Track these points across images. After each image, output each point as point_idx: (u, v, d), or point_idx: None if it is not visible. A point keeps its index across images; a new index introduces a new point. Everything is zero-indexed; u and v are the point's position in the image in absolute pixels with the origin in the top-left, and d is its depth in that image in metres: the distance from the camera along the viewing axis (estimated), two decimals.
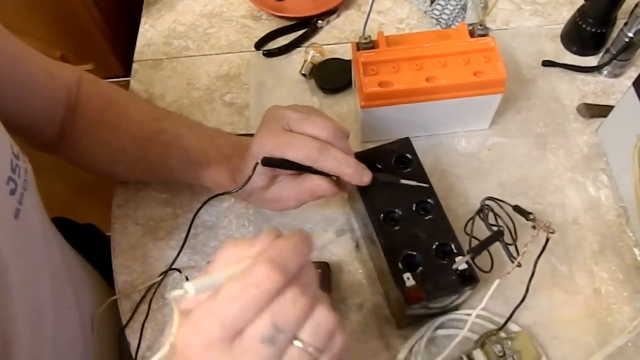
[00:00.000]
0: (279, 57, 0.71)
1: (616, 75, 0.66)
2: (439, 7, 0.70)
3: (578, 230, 0.57)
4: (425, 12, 0.73)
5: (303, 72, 0.68)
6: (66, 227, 0.55)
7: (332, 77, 0.68)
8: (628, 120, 0.55)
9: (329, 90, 0.67)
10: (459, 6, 0.69)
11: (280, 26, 0.74)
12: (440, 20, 0.70)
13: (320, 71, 0.68)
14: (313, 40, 0.73)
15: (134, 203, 0.61)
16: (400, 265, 0.46)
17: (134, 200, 0.61)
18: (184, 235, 0.54)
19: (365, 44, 0.58)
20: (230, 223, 0.59)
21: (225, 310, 0.26)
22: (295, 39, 0.72)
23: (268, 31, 0.73)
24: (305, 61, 0.68)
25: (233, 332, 0.27)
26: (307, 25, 0.73)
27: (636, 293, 0.53)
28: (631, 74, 0.66)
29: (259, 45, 0.72)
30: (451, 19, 0.70)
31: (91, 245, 0.63)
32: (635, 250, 0.55)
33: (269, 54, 0.71)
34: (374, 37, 0.58)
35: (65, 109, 0.53)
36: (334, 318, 0.28)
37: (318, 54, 0.69)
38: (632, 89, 0.52)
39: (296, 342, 0.27)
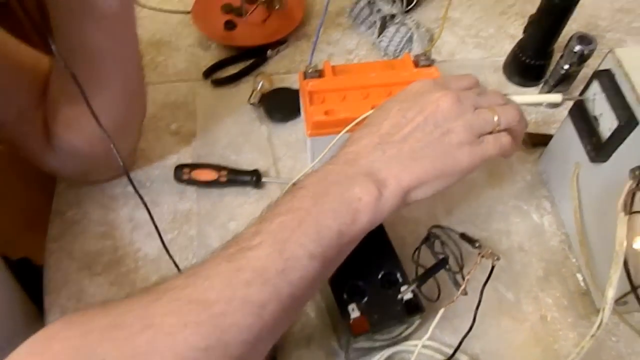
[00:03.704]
0: (228, 86, 0.71)
1: (555, 106, 0.68)
2: (386, 39, 0.72)
3: (523, 256, 0.57)
4: (373, 44, 0.74)
5: (252, 101, 0.67)
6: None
7: (280, 106, 0.67)
8: (566, 149, 0.56)
9: (277, 119, 0.67)
10: (405, 38, 0.70)
11: (230, 55, 0.73)
12: (388, 51, 0.72)
13: (269, 100, 0.68)
14: (262, 69, 0.72)
15: (70, 236, 0.58)
16: (345, 295, 0.45)
17: (70, 232, 0.58)
18: (123, 270, 0.51)
19: (312, 73, 0.58)
20: (174, 255, 0.57)
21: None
22: (244, 68, 0.72)
23: (217, 60, 0.72)
24: (254, 90, 0.68)
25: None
26: (257, 55, 0.73)
27: (580, 319, 0.53)
28: (569, 104, 0.68)
29: (207, 74, 0.71)
30: (398, 50, 0.71)
31: (27, 280, 0.59)
32: (579, 276, 0.56)
33: (218, 82, 0.70)
34: (321, 67, 0.59)
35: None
36: (517, 110, 0.43)
37: (267, 83, 0.69)
38: (569, 118, 0.54)
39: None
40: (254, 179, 0.61)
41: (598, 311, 0.53)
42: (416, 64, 0.59)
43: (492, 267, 0.50)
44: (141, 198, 0.47)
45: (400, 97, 0.43)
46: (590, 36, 0.60)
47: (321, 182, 0.39)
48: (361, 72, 0.59)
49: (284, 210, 0.38)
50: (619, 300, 0.50)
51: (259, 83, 0.68)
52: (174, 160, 0.63)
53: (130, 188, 0.48)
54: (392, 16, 0.73)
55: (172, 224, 0.59)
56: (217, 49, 0.75)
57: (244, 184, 0.61)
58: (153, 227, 0.47)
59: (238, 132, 0.66)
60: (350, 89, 0.57)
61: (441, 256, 0.50)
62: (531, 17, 0.64)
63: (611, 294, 0.42)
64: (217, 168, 0.61)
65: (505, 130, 0.42)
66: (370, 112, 0.46)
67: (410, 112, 0.41)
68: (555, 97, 0.49)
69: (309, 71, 0.58)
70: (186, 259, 0.56)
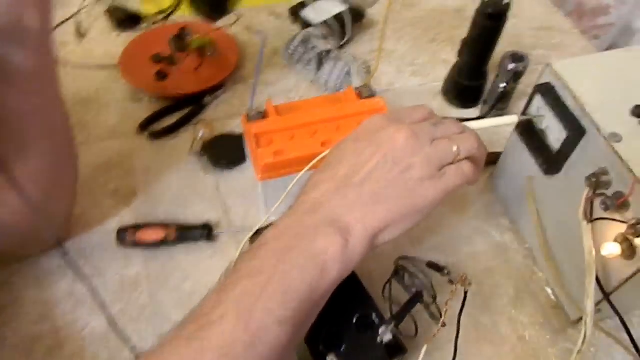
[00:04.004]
0: (166, 138, 0.67)
1: None
2: (325, 75, 0.71)
3: (492, 277, 0.56)
4: (312, 81, 0.74)
5: (194, 150, 0.64)
6: None
7: (225, 152, 0.64)
8: (517, 164, 0.57)
9: (223, 166, 0.64)
10: (343, 72, 0.70)
11: (165, 106, 0.70)
12: (328, 86, 0.71)
13: (212, 148, 0.65)
14: (201, 117, 0.69)
15: (0, 322, 0.51)
16: (321, 346, 0.42)
17: (2, 315, 0.51)
18: (68, 353, 0.45)
19: (256, 115, 0.55)
20: (125, 328, 0.51)
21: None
22: (181, 118, 0.68)
23: (151, 112, 0.69)
24: (195, 139, 0.65)
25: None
26: (193, 103, 0.70)
27: (557, 334, 0.52)
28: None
29: (142, 127, 0.67)
30: (338, 84, 0.70)
31: None
32: (548, 289, 0.56)
33: (155, 135, 0.67)
34: (264, 108, 0.57)
35: None
36: (475, 137, 0.42)
37: (208, 131, 0.66)
38: (516, 134, 0.55)
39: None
40: (206, 232, 0.57)
41: (573, 323, 0.53)
42: (360, 95, 0.59)
43: (466, 294, 0.48)
44: (79, 269, 0.42)
45: (355, 136, 0.42)
46: (521, 53, 0.62)
47: (282, 236, 0.36)
48: (306, 109, 0.57)
49: (246, 273, 0.35)
50: (594, 309, 0.49)
51: (199, 131, 0.65)
52: (115, 223, 0.58)
53: (67, 259, 0.43)
54: (328, 52, 0.72)
55: (119, 293, 0.53)
56: (150, 101, 0.71)
57: (195, 239, 0.57)
58: (97, 301, 0.42)
59: (183, 185, 0.63)
60: (297, 127, 0.55)
61: (413, 289, 0.48)
62: (464, 40, 0.66)
63: (590, 306, 0.41)
64: (164, 226, 0.56)
65: (466, 158, 0.42)
66: (326, 152, 0.44)
67: (366, 152, 0.39)
68: (511, 119, 0.49)
69: (252, 113, 0.55)
70: (139, 331, 0.51)
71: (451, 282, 0.51)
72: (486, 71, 0.69)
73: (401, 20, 0.85)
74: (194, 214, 0.60)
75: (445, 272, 0.51)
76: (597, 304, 0.48)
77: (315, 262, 0.35)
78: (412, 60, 0.79)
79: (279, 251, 0.35)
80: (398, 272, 0.53)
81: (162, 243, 0.56)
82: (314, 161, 0.46)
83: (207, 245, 0.57)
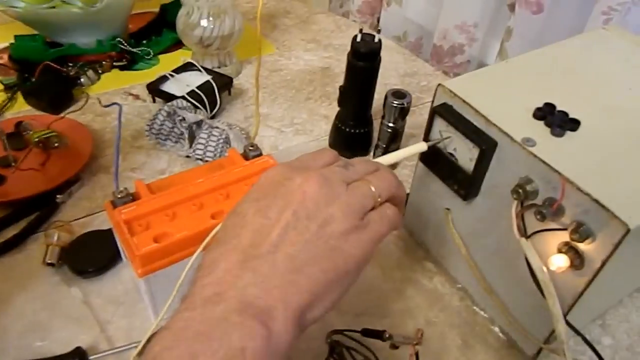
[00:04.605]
0: (10, 253, 0.53)
1: (393, 167, 0.66)
2: (201, 147, 0.63)
3: (434, 330, 0.49)
4: (187, 156, 0.65)
5: (49, 260, 0.51)
6: None
7: (92, 255, 0.52)
8: (430, 199, 0.52)
9: (90, 273, 0.51)
10: (221, 140, 0.63)
11: (4, 215, 0.56)
12: (207, 157, 0.63)
13: (73, 253, 0.52)
14: (55, 219, 0.56)
15: None
16: None
17: None
18: None
19: (124, 199, 0.45)
20: None
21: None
22: (28, 225, 0.55)
23: None
24: (48, 247, 0.51)
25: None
26: (43, 205, 0.57)
27: None
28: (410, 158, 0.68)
29: None
30: (217, 154, 0.63)
31: None
32: (495, 328, 0.50)
33: None
34: (135, 189, 0.47)
35: None
36: (392, 174, 0.36)
37: (65, 234, 0.53)
38: (422, 167, 0.51)
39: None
40: None
41: (531, 359, 0.47)
42: (246, 157, 0.51)
43: (417, 354, 0.41)
44: None
45: (254, 194, 0.33)
46: (402, 90, 0.61)
47: (179, 342, 0.26)
48: (185, 181, 0.48)
49: None
50: (550, 337, 0.44)
51: (53, 236, 0.52)
52: None
53: None
54: (199, 123, 0.65)
55: None
56: None
57: None
58: None
59: (38, 307, 0.48)
60: (178, 203, 0.45)
61: None
62: (341, 88, 0.63)
63: (563, 328, 0.35)
64: None
65: (387, 200, 0.35)
66: (219, 226, 0.35)
67: (272, 211, 0.31)
68: (420, 147, 0.45)
69: (119, 197, 0.45)
70: None
71: (394, 346, 0.44)
72: (370, 116, 0.66)
73: (271, 85, 0.81)
74: (59, 342, 0.46)
75: (387, 335, 0.43)
76: (551, 333, 0.44)
77: None
78: (291, 120, 0.74)
79: None
80: (334, 349, 0.44)
81: None
82: (209, 237, 0.37)
83: None
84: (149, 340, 0.34)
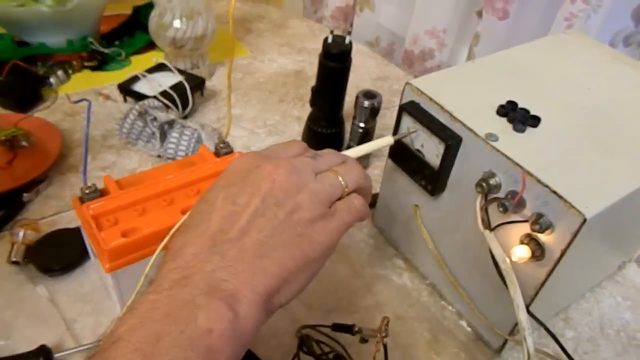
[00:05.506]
0: None
1: (365, 164, 0.67)
2: (172, 146, 0.63)
3: (404, 325, 0.50)
4: (159, 155, 0.64)
5: (14, 258, 0.50)
6: None
7: (58, 253, 0.51)
8: (398, 196, 0.53)
9: (57, 270, 0.50)
10: (193, 139, 0.63)
11: None
12: (178, 156, 0.63)
13: (38, 251, 0.51)
14: (22, 218, 0.55)
15: None
16: None
17: None
18: None
19: (92, 194, 0.44)
20: None
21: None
22: None
23: None
24: (13, 245, 0.50)
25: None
26: (9, 203, 0.56)
27: None
28: (381, 159, 0.69)
29: None
30: (189, 152, 0.62)
31: None
32: (462, 323, 0.51)
33: None
34: (103, 185, 0.46)
35: None
36: (359, 166, 0.37)
37: (32, 232, 0.52)
38: (391, 163, 0.52)
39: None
40: (42, 359, 0.42)
41: (497, 351, 0.48)
42: (217, 153, 0.51)
43: (385, 347, 0.41)
44: None
45: (224, 181, 0.34)
46: (373, 91, 0.62)
47: (144, 325, 0.26)
48: (155, 177, 0.48)
49: None
50: (515, 329, 0.45)
51: (18, 234, 0.51)
52: None
53: None
54: (171, 122, 0.65)
55: None
56: None
57: None
58: None
59: (2, 306, 0.47)
60: (148, 198, 0.45)
61: (330, 355, 0.40)
62: (313, 88, 0.64)
63: (524, 316, 0.36)
64: None
65: (354, 191, 0.36)
66: (186, 215, 0.35)
67: (241, 197, 0.32)
68: (388, 140, 0.46)
69: (87, 192, 0.44)
70: None
71: (363, 339, 0.44)
72: (342, 117, 0.67)
73: (244, 87, 0.82)
74: (23, 341, 0.45)
75: (356, 329, 0.44)
76: (515, 325, 0.45)
77: (197, 349, 0.25)
78: (264, 122, 0.74)
79: (142, 345, 0.25)
80: (303, 342, 0.44)
81: None
82: (177, 226, 0.37)
83: None
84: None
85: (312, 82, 0.64)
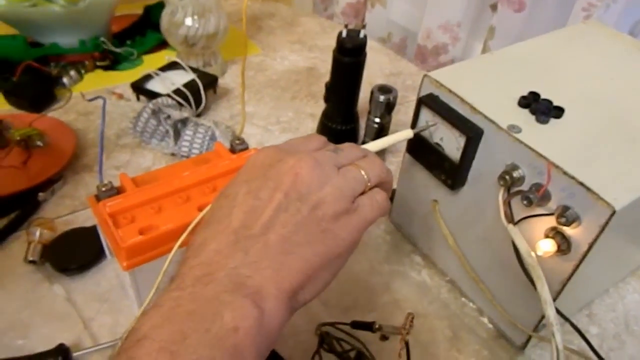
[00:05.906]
0: None
1: (381, 157, 0.66)
2: (186, 144, 0.62)
3: (424, 322, 0.49)
4: (173, 154, 0.64)
5: (31, 258, 0.49)
6: None
7: (75, 252, 0.51)
8: (417, 191, 0.52)
9: (73, 270, 0.50)
10: (207, 137, 0.62)
11: None
12: (192, 154, 0.62)
13: (55, 250, 0.51)
14: (37, 217, 0.55)
15: None
16: None
17: None
18: None
19: (109, 192, 0.44)
20: None
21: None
22: (9, 223, 0.54)
23: None
24: (30, 244, 0.50)
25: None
26: (24, 203, 0.56)
27: None
28: (396, 154, 0.68)
29: None
30: (202, 151, 0.62)
31: None
32: (483, 319, 0.50)
33: None
34: (119, 183, 0.46)
35: None
36: (380, 160, 0.36)
37: (48, 231, 0.52)
38: (409, 158, 0.51)
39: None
40: (61, 358, 0.42)
41: (520, 348, 0.47)
42: (233, 150, 0.51)
43: (407, 344, 0.40)
44: None
45: (244, 176, 0.33)
46: (388, 85, 0.61)
47: (169, 322, 0.25)
48: (170, 175, 0.47)
49: None
50: (539, 325, 0.44)
51: (34, 233, 0.51)
52: None
53: None
54: (185, 120, 0.64)
55: None
56: None
57: None
58: None
59: (20, 305, 0.47)
60: (164, 196, 0.45)
61: (351, 353, 0.39)
62: (327, 84, 0.63)
63: (552, 312, 0.35)
64: None
65: (375, 186, 0.35)
66: (205, 211, 0.34)
67: (263, 191, 0.31)
68: (407, 133, 0.45)
69: (103, 190, 0.44)
70: None
71: (384, 337, 0.43)
72: (356, 113, 0.66)
73: (256, 84, 0.81)
74: (41, 339, 0.44)
75: (376, 326, 0.43)
76: (539, 321, 0.44)
77: (222, 348, 0.25)
78: (277, 119, 0.74)
79: (168, 344, 0.24)
80: (323, 340, 0.43)
81: None
82: (194, 222, 0.36)
83: None
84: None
85: (325, 79, 0.63)
